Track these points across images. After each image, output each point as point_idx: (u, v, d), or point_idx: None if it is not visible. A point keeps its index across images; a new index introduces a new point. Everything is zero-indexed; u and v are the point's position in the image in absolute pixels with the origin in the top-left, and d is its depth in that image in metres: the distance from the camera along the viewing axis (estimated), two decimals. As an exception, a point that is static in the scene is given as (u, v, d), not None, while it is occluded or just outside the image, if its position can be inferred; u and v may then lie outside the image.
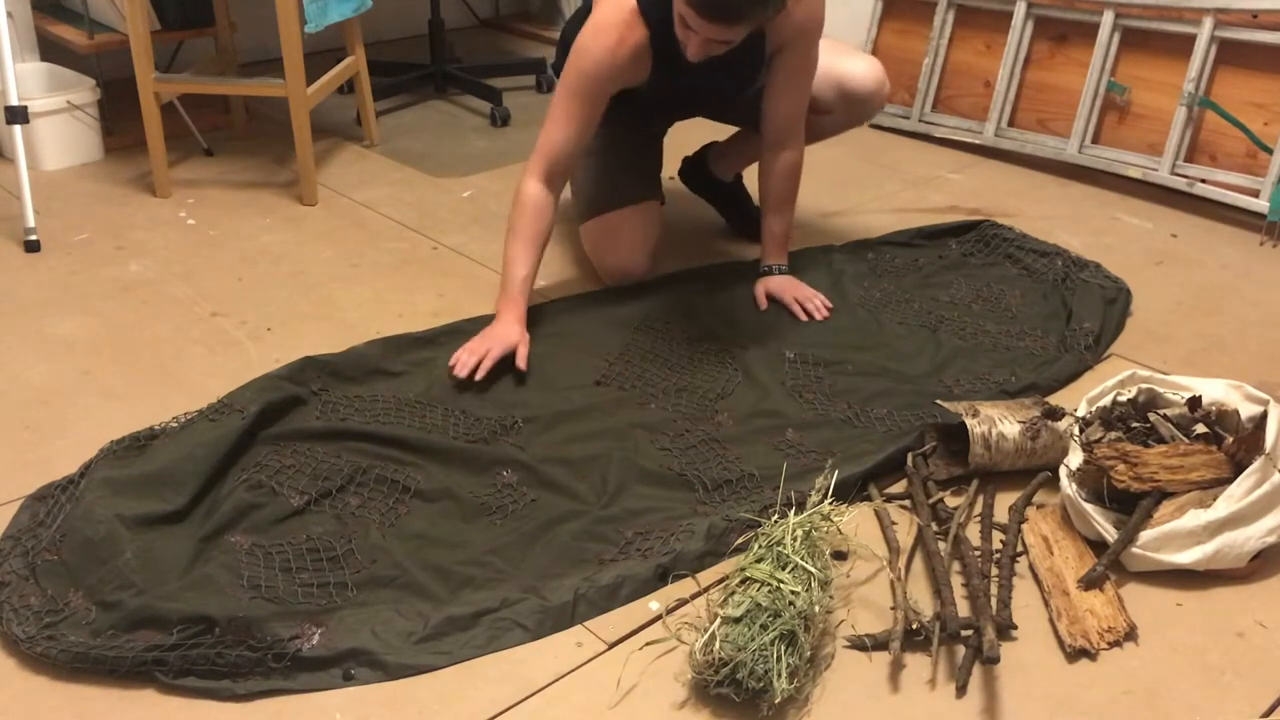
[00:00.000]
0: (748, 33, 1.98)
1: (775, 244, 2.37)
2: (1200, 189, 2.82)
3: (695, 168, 2.69)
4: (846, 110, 2.45)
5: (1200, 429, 1.71)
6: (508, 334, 2.08)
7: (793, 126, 2.30)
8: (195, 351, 2.16)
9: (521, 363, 2.05)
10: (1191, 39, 2.82)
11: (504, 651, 1.47)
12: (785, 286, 2.33)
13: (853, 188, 2.99)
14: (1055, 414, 1.78)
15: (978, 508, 1.73)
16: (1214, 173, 2.82)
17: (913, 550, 1.65)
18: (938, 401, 1.90)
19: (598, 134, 2.35)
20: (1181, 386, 1.78)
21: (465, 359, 2.04)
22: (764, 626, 1.38)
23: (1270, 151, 2.72)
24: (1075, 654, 1.47)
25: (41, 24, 3.15)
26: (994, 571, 1.59)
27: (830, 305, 2.31)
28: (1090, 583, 1.55)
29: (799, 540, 1.50)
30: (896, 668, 1.45)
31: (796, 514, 1.56)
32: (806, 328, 2.25)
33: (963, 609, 1.51)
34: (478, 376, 2.01)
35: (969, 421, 1.77)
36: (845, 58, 2.41)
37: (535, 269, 2.16)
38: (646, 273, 2.38)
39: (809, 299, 2.31)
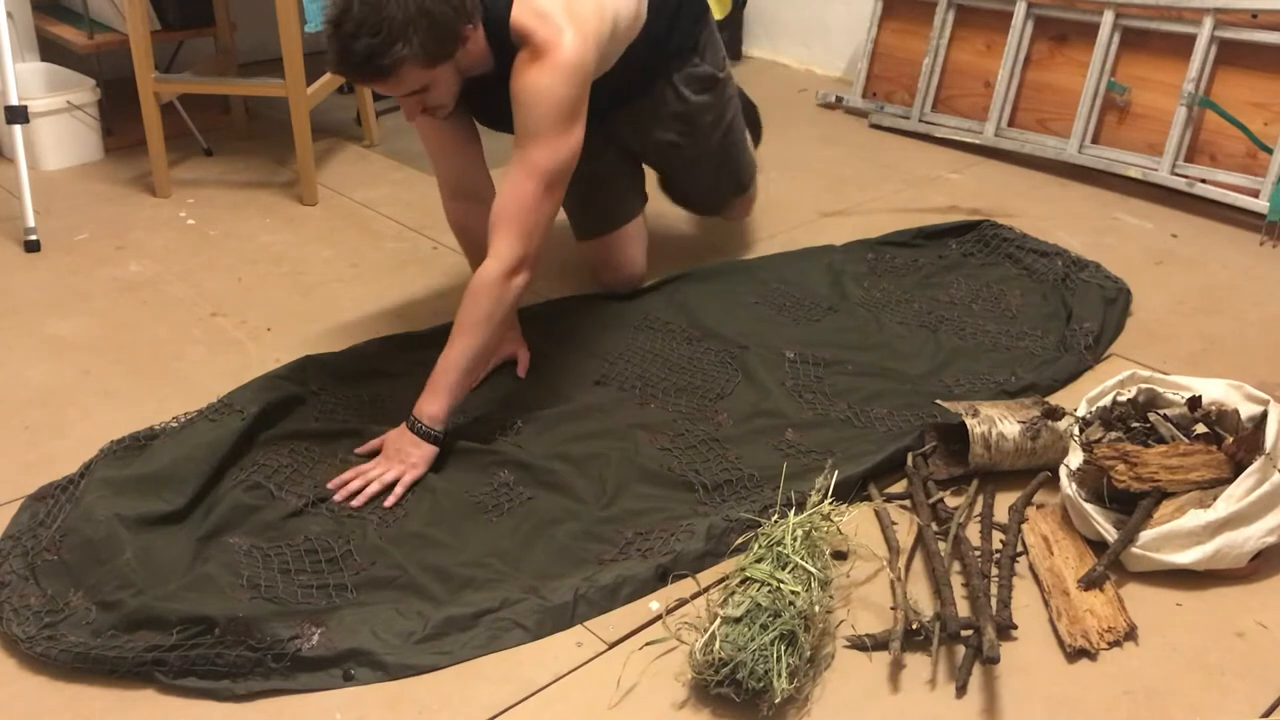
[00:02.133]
0: (410, 84, 1.74)
1: (430, 385, 1.81)
2: (1200, 189, 2.82)
3: None
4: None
5: (1200, 429, 1.71)
6: (426, 453, 1.90)
7: (497, 223, 1.81)
8: (195, 351, 2.16)
9: (522, 371, 2.07)
10: (1191, 39, 2.82)
11: (504, 651, 1.47)
12: (386, 453, 1.78)
13: (853, 188, 2.99)
14: (1055, 414, 1.78)
15: (978, 508, 1.73)
16: (1214, 173, 2.82)
17: (913, 550, 1.65)
18: (938, 401, 1.90)
19: None
20: (1181, 386, 1.77)
21: (360, 485, 1.82)
22: (764, 626, 1.38)
23: (1270, 151, 2.72)
24: (1075, 654, 1.47)
25: (41, 24, 3.15)
26: (994, 571, 1.59)
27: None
28: (1090, 583, 1.55)
29: (799, 540, 1.50)
30: (896, 668, 1.45)
31: (796, 514, 1.56)
32: (806, 328, 2.25)
33: (963, 609, 1.51)
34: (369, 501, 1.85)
35: (969, 421, 1.77)
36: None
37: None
38: (644, 275, 2.38)
39: (366, 480, 1.74)
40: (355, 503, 1.72)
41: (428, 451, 1.79)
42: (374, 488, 1.74)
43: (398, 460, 1.77)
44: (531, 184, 1.81)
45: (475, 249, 2.09)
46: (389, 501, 1.72)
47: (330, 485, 1.75)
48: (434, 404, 1.80)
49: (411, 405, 1.94)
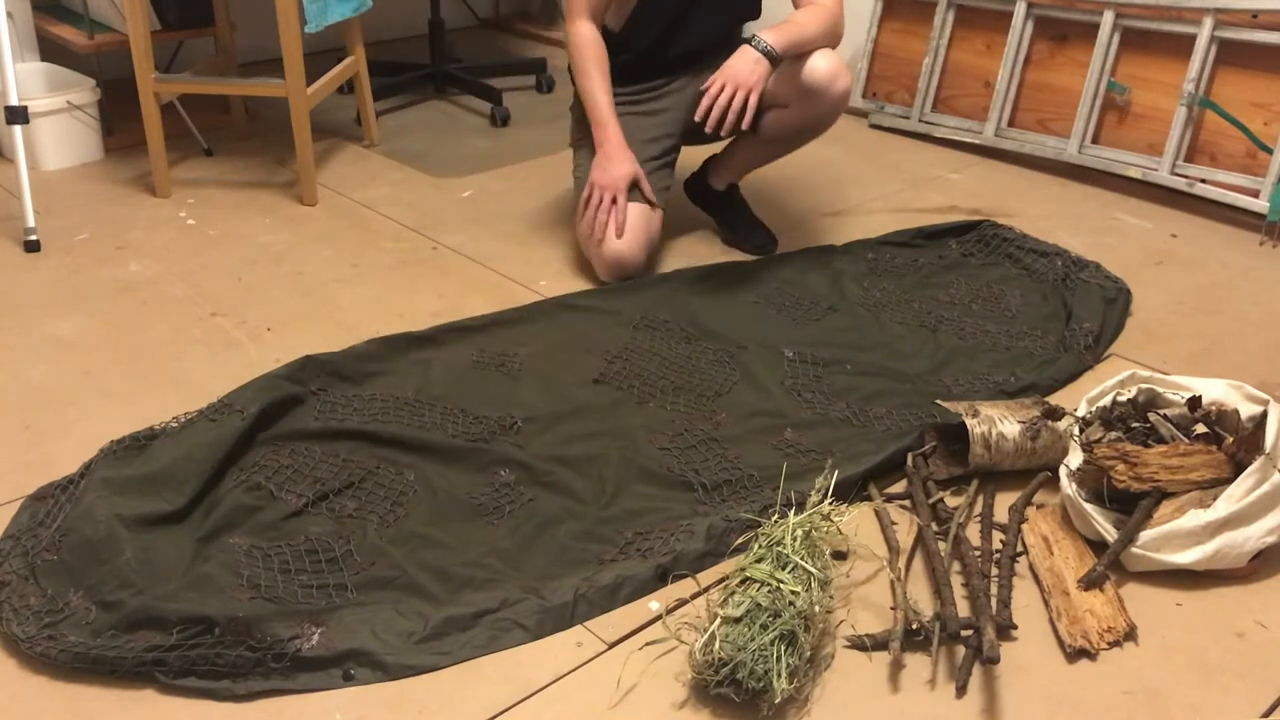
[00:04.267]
0: None
1: (777, 30, 2.26)
2: (1200, 189, 2.82)
3: (696, 181, 2.69)
4: (802, 103, 2.36)
5: (1200, 429, 1.71)
6: (624, 167, 2.32)
7: None
8: (195, 351, 2.16)
9: (651, 195, 2.31)
10: (1191, 39, 2.82)
11: (504, 651, 1.47)
12: (729, 71, 2.21)
13: (853, 188, 2.99)
14: (1055, 414, 1.79)
15: (978, 508, 1.73)
16: (1214, 173, 2.82)
17: (913, 550, 1.65)
18: (938, 401, 1.90)
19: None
20: (1181, 386, 1.78)
21: (603, 220, 2.24)
22: (764, 626, 1.38)
23: (1270, 151, 2.72)
24: (1075, 654, 1.47)
25: (41, 24, 3.15)
26: (994, 571, 1.59)
27: (739, 116, 2.22)
28: (1090, 583, 1.55)
29: (799, 540, 1.50)
30: (896, 668, 1.45)
31: (796, 514, 1.56)
32: (806, 327, 2.25)
33: (963, 609, 1.51)
34: (621, 233, 2.25)
35: (969, 421, 1.77)
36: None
37: (612, 95, 2.39)
38: (643, 269, 2.38)
39: (728, 97, 2.20)
40: (728, 123, 2.20)
41: (765, 69, 2.22)
42: (739, 100, 2.18)
43: (745, 77, 2.19)
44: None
45: (600, 69, 2.36)
46: (747, 119, 2.20)
47: (698, 117, 2.22)
48: (776, 39, 2.23)
49: (411, 404, 1.95)
